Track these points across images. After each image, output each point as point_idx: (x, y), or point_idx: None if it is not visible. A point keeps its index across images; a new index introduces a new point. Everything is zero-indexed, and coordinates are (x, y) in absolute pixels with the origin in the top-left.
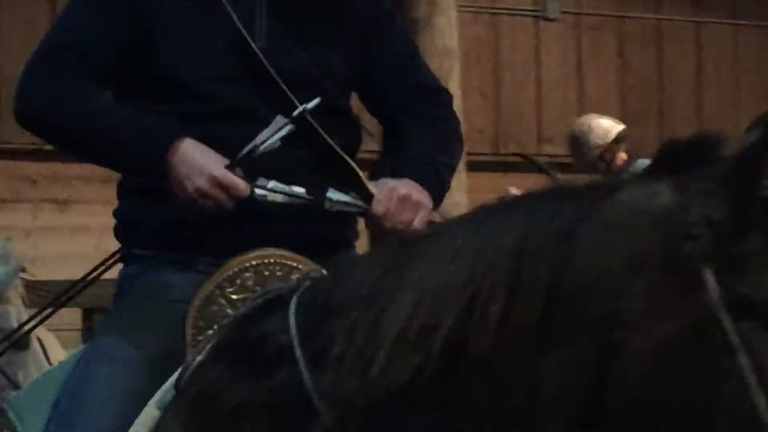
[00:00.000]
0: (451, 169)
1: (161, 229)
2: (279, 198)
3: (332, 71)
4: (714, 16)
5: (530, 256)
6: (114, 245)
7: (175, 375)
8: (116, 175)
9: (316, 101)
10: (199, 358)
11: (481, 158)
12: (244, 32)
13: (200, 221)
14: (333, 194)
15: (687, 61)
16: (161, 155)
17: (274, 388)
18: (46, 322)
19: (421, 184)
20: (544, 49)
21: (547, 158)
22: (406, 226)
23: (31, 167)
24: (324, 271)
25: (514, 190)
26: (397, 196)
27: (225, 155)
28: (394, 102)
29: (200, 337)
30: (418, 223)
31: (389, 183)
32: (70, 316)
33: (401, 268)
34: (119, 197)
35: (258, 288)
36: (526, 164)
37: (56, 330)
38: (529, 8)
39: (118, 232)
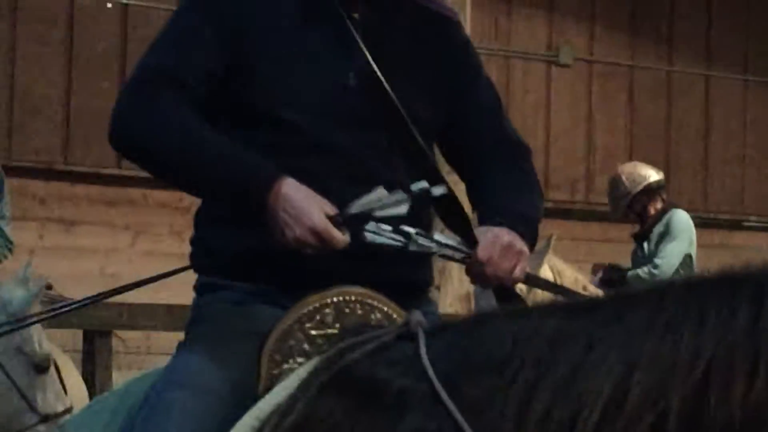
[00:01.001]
0: (538, 222)
1: (242, 260)
2: (384, 241)
3: (419, 116)
4: (725, 70)
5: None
6: (118, 268)
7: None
8: (124, 199)
9: (442, 190)
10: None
11: None
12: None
13: (282, 255)
14: (440, 238)
15: (696, 114)
16: (262, 196)
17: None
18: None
19: (518, 234)
20: (555, 95)
21: (551, 204)
22: (506, 275)
23: (38, 186)
24: (404, 313)
25: None
26: (500, 243)
27: (316, 190)
28: (480, 153)
29: (275, 371)
30: (518, 272)
31: (493, 230)
32: (72, 339)
33: (586, 333)
34: (197, 225)
35: (337, 325)
36: None
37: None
38: (542, 53)
39: (197, 260)
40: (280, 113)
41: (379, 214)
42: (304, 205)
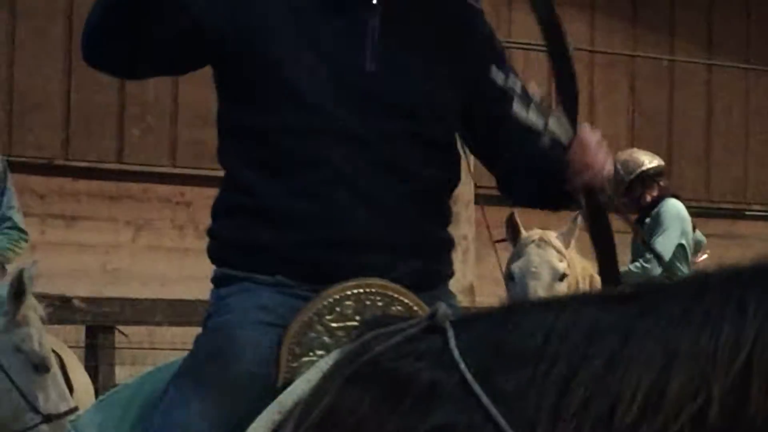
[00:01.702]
0: None
1: (261, 252)
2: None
3: (440, 104)
4: (726, 59)
5: None
6: (119, 264)
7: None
8: (125, 194)
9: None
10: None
11: (490, 192)
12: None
13: (302, 246)
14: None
15: (697, 103)
16: None
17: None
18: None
19: None
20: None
21: None
22: (601, 166)
23: (39, 182)
24: (424, 305)
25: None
26: (595, 135)
27: (333, 175)
28: (507, 144)
29: (294, 364)
30: (609, 165)
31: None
32: (75, 334)
33: (622, 325)
34: (215, 216)
35: (357, 317)
36: None
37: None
38: (542, 44)
39: (213, 252)
40: (304, 97)
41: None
42: None
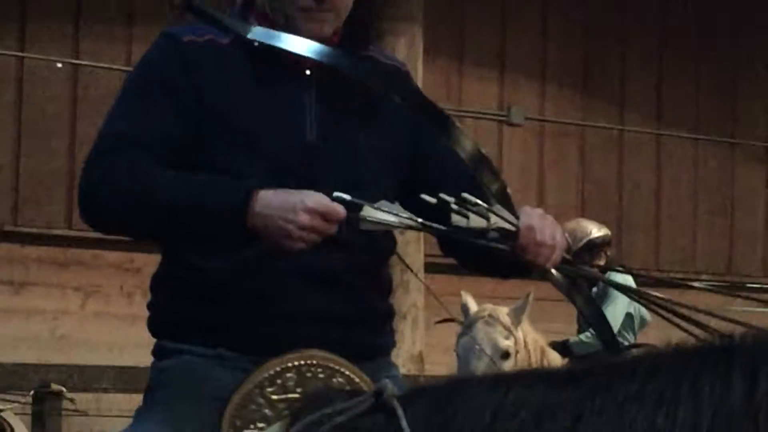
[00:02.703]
0: None
1: (202, 325)
2: (391, 219)
3: (377, 174)
4: (675, 129)
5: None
6: (68, 330)
7: None
8: (74, 260)
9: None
10: None
11: (439, 260)
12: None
13: (242, 319)
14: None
15: (647, 173)
16: (244, 210)
17: None
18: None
19: None
20: (507, 155)
21: None
22: (552, 240)
23: None
24: (366, 377)
25: (469, 296)
26: (536, 213)
27: (266, 248)
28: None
29: None
30: (560, 238)
31: (523, 209)
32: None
33: (574, 404)
34: (155, 290)
35: (299, 389)
36: None
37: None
38: (494, 112)
39: (153, 325)
40: (243, 169)
41: (370, 220)
42: (292, 196)
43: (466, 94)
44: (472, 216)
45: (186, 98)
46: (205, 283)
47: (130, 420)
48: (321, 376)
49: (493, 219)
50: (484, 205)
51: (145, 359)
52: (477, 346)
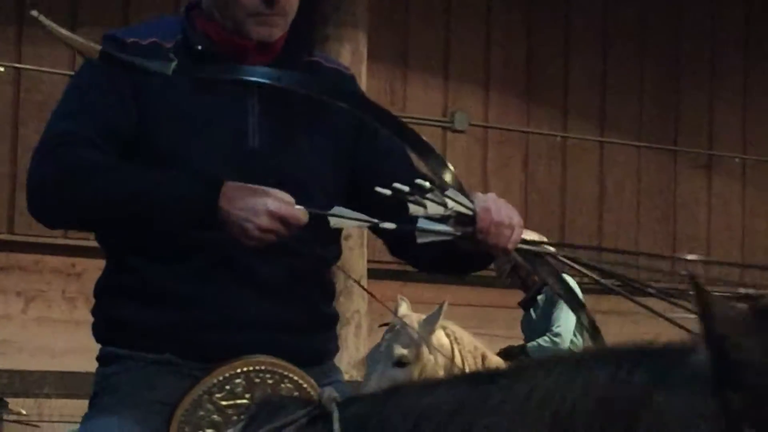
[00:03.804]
0: None
1: (148, 331)
2: (353, 224)
3: (322, 178)
4: (618, 136)
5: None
6: (9, 335)
7: None
8: (15, 265)
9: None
10: None
11: (382, 267)
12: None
13: (188, 326)
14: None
15: (590, 179)
16: (213, 202)
17: None
18: None
19: None
20: (451, 161)
21: None
22: (510, 221)
23: None
24: (313, 381)
25: (405, 302)
26: (490, 196)
27: (211, 256)
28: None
29: None
30: (517, 219)
31: (477, 195)
32: None
33: (474, 410)
34: (99, 296)
35: (247, 395)
36: (423, 275)
37: None
38: (437, 119)
39: (99, 331)
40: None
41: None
42: (257, 197)
43: (410, 100)
44: (429, 204)
45: (129, 98)
46: (152, 290)
47: (72, 425)
48: (269, 381)
49: (450, 204)
50: (439, 189)
51: (88, 365)
52: (376, 354)
